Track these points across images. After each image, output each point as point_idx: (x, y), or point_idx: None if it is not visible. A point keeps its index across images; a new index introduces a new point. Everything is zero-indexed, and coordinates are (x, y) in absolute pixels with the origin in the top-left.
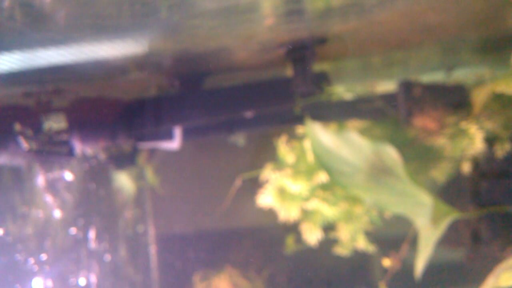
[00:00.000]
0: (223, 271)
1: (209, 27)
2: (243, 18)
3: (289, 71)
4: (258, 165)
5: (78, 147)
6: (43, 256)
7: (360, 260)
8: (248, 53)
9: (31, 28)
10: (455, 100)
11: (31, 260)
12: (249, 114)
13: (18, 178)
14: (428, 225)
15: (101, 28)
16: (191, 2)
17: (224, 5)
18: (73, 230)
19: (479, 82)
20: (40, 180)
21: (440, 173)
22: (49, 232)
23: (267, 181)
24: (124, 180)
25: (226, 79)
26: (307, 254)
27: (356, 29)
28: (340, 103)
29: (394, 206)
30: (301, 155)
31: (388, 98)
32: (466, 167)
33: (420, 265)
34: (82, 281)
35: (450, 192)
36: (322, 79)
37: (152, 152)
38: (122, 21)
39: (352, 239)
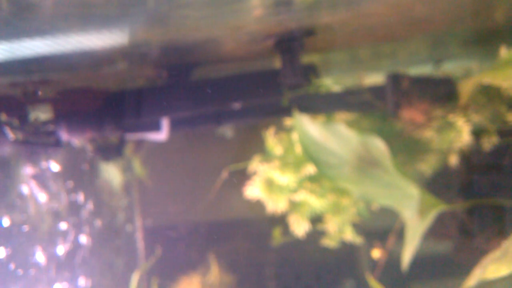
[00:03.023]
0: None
1: (197, 18)
2: (231, 9)
3: (277, 63)
4: (245, 157)
5: (65, 138)
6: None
7: (347, 252)
8: (236, 44)
9: (17, 17)
10: (443, 93)
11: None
12: (237, 105)
13: (4, 168)
14: (415, 217)
15: (87, 17)
16: None
17: None
18: (59, 222)
19: (467, 75)
20: (26, 170)
21: (427, 166)
22: (35, 224)
23: (255, 173)
24: (111, 171)
25: (214, 70)
26: (295, 246)
27: (345, 21)
28: (328, 95)
29: (381, 198)
30: (289, 147)
31: (376, 90)
32: (453, 160)
33: (407, 257)
34: (68, 272)
35: (437, 185)
36: (310, 71)
37: (140, 143)
38: (109, 11)
39: (340, 231)
